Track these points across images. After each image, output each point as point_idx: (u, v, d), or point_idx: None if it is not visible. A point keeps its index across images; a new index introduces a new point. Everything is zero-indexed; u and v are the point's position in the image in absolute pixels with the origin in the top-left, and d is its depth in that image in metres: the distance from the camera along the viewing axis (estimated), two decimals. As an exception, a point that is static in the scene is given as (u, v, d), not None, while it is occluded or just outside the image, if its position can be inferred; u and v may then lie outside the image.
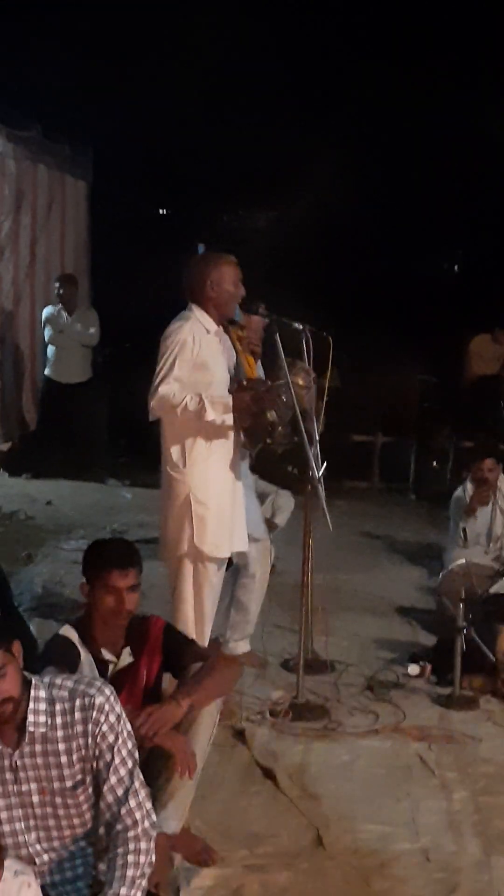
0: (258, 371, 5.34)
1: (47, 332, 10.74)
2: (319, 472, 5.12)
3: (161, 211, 15.85)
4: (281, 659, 5.70)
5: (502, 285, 13.15)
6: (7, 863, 2.36)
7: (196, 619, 4.74)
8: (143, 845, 2.96)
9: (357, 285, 13.94)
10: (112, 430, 11.09)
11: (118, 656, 3.74)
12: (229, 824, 3.88)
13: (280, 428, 4.97)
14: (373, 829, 3.90)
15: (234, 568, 5.42)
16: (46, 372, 10.95)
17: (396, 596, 7.20)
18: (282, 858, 3.68)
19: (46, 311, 10.78)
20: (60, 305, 10.68)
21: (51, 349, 10.79)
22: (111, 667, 3.73)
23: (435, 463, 11.66)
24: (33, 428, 11.49)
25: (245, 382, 4.86)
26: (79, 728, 2.98)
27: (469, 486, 7.22)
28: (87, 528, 8.57)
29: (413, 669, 5.55)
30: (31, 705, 2.94)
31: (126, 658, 3.74)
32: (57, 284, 10.82)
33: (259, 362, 5.55)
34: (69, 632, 3.73)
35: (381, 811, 4.05)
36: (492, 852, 3.77)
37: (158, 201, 15.15)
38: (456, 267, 16.85)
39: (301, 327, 5.28)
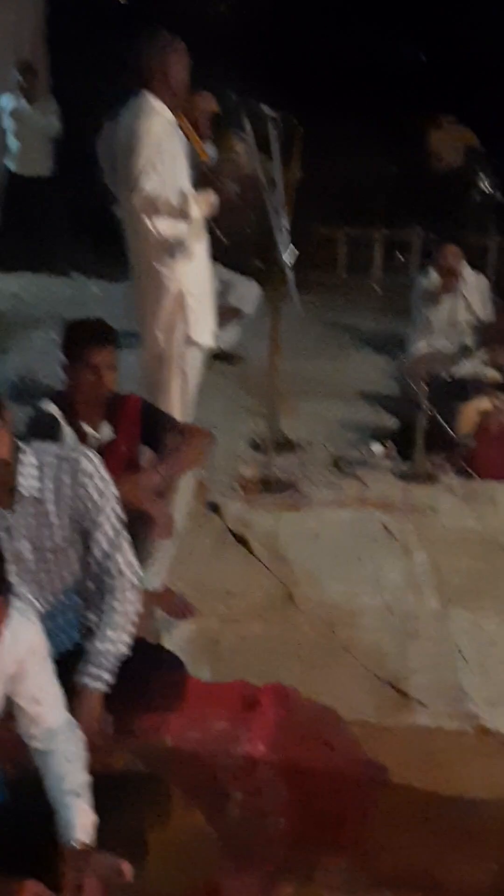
0: (208, 151, 5.32)
1: (7, 124, 10.54)
2: (290, 257, 5.22)
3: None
4: (250, 440, 5.92)
5: (465, 74, 12.89)
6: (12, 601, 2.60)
7: (182, 402, 4.89)
8: (129, 595, 3.21)
9: (322, 72, 13.63)
10: (76, 224, 11.00)
11: (98, 430, 3.91)
12: (206, 584, 4.17)
13: (249, 212, 5.06)
14: (339, 586, 4.21)
15: None
16: (9, 165, 10.79)
17: (361, 382, 7.39)
18: (255, 612, 3.99)
19: (5, 101, 10.55)
20: (20, 95, 10.45)
21: (13, 142, 10.60)
22: (92, 441, 3.92)
23: (400, 255, 11.72)
24: (-4, 223, 11.39)
25: (206, 168, 4.87)
26: (67, 490, 3.18)
27: (433, 274, 7.33)
28: (56, 320, 8.63)
29: (377, 448, 5.80)
30: (22, 469, 3.13)
31: (106, 432, 3.91)
32: (15, 72, 10.55)
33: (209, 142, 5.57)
34: (50, 406, 3.88)
35: (346, 572, 4.35)
36: (449, 605, 4.10)
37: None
38: (421, 55, 16.43)
39: (271, 113, 5.28)
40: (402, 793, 3.00)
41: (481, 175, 12.05)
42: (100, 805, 2.58)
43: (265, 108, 5.26)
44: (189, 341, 4.81)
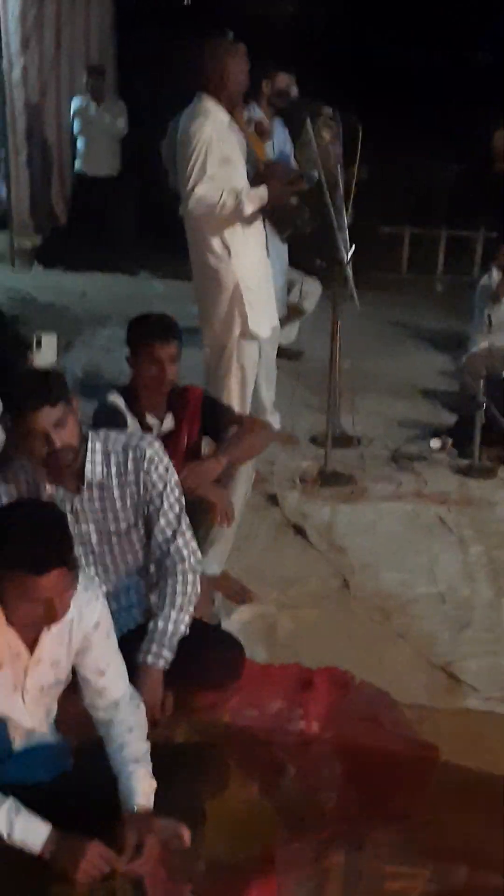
0: (267, 151, 5.44)
1: (76, 125, 10.75)
2: (348, 255, 5.32)
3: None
4: (310, 435, 6.04)
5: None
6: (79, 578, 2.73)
7: (241, 394, 5.02)
8: (189, 577, 3.34)
9: (387, 72, 13.67)
10: (142, 223, 11.18)
11: (162, 421, 4.05)
12: (263, 571, 4.30)
13: (306, 214, 5.17)
14: (394, 576, 4.31)
15: None
16: (77, 166, 11.01)
17: (421, 379, 7.48)
18: (311, 599, 4.11)
19: (75, 103, 10.76)
20: (89, 96, 10.66)
21: (80, 142, 10.81)
22: (155, 431, 4.05)
23: (462, 254, 11.76)
24: (63, 222, 11.62)
25: (263, 167, 5.00)
26: (131, 477, 3.32)
27: (495, 273, 7.39)
28: (121, 317, 8.80)
29: (435, 443, 5.89)
30: (89, 456, 3.27)
31: (168, 423, 4.05)
32: (86, 75, 10.77)
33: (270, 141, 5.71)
34: (116, 398, 4.02)
35: (402, 562, 4.45)
36: (502, 595, 4.17)
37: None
38: (486, 55, 16.39)
39: (331, 111, 5.39)
40: (452, 772, 3.09)
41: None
42: (160, 774, 2.71)
43: (326, 108, 5.36)
44: (246, 334, 4.93)
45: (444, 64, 14.21)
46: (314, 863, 2.66)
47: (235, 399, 4.92)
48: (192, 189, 4.71)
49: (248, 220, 4.91)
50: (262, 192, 4.83)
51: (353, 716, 3.34)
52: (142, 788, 2.64)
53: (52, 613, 2.54)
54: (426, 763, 3.12)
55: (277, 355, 6.13)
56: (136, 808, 2.61)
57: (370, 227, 11.05)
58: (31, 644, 2.68)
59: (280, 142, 6.49)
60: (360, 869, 2.66)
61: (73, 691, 2.86)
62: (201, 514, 3.84)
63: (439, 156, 12.38)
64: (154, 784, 2.67)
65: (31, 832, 2.49)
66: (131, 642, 3.23)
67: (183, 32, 12.71)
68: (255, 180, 4.90)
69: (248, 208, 4.78)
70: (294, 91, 6.56)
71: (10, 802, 2.51)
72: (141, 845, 2.54)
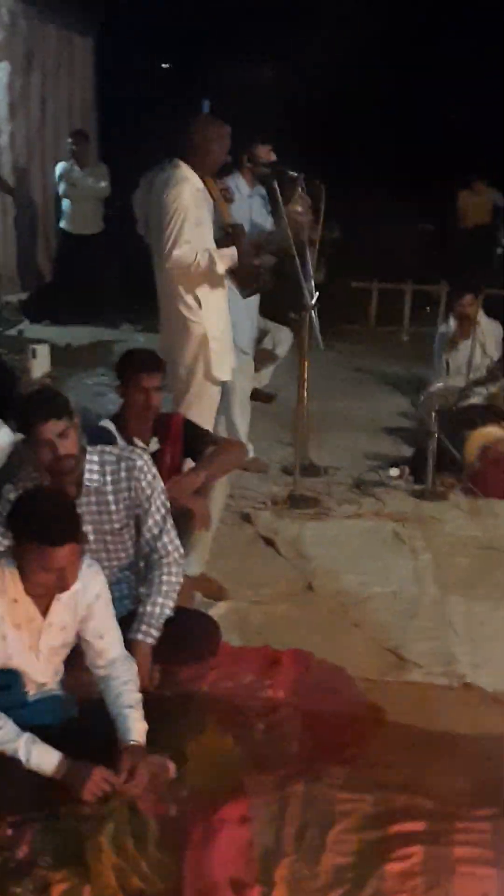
0: (231, 214, 6.01)
1: (62, 187, 11.39)
2: (313, 300, 5.96)
3: (164, 65, 16.19)
4: (281, 466, 6.64)
5: (494, 138, 13.66)
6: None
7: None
8: (174, 569, 3.91)
9: (359, 136, 14.42)
10: (123, 278, 11.78)
11: (147, 444, 4.63)
12: (238, 575, 4.89)
13: (267, 275, 5.79)
14: (353, 578, 4.92)
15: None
16: (62, 224, 11.66)
17: (384, 418, 8.12)
18: (280, 597, 4.71)
19: (60, 167, 11.39)
20: (73, 160, 11.33)
21: (65, 203, 11.46)
22: (140, 451, 4.62)
23: (428, 308, 12.44)
24: (49, 279, 12.25)
25: (230, 229, 5.58)
26: (124, 484, 3.89)
27: (452, 321, 8.06)
28: (104, 366, 9.42)
29: (394, 472, 6.51)
30: (87, 466, 3.85)
31: (154, 445, 4.63)
32: (69, 140, 11.45)
33: (248, 199, 6.33)
34: (108, 424, 4.61)
35: (360, 567, 5.06)
36: (447, 593, 4.78)
37: (163, 57, 15.52)
38: (454, 117, 17.19)
39: (297, 175, 6.05)
40: (396, 728, 3.66)
41: (505, 231, 12.77)
42: (150, 721, 3.27)
43: (293, 173, 6.03)
44: (209, 378, 5.45)
45: (413, 130, 15.03)
46: (278, 790, 3.21)
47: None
48: (171, 251, 5.20)
49: (218, 279, 5.48)
50: (232, 252, 5.38)
51: (313, 686, 3.91)
52: (136, 728, 3.21)
53: (63, 582, 3.13)
54: (373, 720, 3.69)
55: (253, 398, 6.79)
56: (131, 742, 3.17)
57: (341, 282, 11.76)
58: (44, 610, 3.26)
59: (258, 205, 7.08)
60: (315, 795, 3.21)
61: (75, 656, 3.43)
62: (184, 522, 4.42)
63: (406, 216, 13.09)
64: (146, 726, 3.24)
65: (46, 758, 3.06)
66: (124, 626, 3.79)
67: (162, 99, 13.49)
68: (221, 241, 5.44)
69: (221, 268, 5.30)
70: (272, 158, 7.14)
71: (27, 735, 3.08)
72: (135, 772, 3.10)
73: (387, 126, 14.59)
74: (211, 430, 5.58)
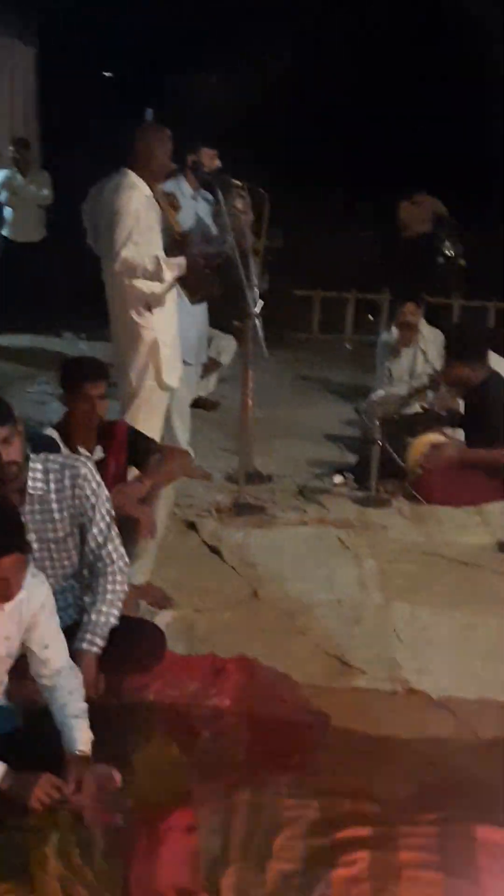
0: (180, 222, 6.05)
1: (3, 195, 11.30)
2: (257, 308, 5.99)
3: (107, 74, 16.15)
4: (226, 474, 6.65)
5: (436, 146, 13.80)
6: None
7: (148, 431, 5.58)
8: (118, 577, 3.89)
9: (302, 144, 14.49)
10: (66, 286, 11.73)
11: (92, 452, 4.62)
12: (183, 583, 4.88)
13: (216, 283, 5.83)
14: (298, 586, 4.93)
15: None
16: (3, 232, 11.57)
17: (328, 426, 8.16)
18: (225, 604, 4.71)
19: (1, 175, 11.29)
20: (15, 168, 11.26)
21: (7, 211, 11.39)
22: (85, 460, 4.61)
23: (371, 316, 12.53)
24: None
25: (179, 236, 5.61)
26: (68, 492, 3.87)
27: (394, 330, 8.13)
28: (49, 374, 9.37)
29: (337, 479, 6.54)
30: (31, 473, 3.83)
31: (98, 454, 4.62)
32: (11, 148, 11.38)
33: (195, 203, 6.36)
34: (52, 432, 4.60)
35: (305, 574, 5.07)
36: (390, 599, 4.81)
37: (106, 65, 15.50)
38: (399, 127, 17.31)
39: (239, 184, 6.08)
40: (341, 733, 3.68)
41: (447, 242, 12.89)
42: (95, 731, 3.26)
43: (236, 181, 6.06)
44: (160, 384, 5.49)
45: (356, 138, 15.13)
46: (224, 798, 3.21)
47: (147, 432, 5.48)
48: (119, 252, 5.24)
49: (167, 287, 5.49)
50: (180, 261, 5.40)
51: (258, 693, 3.92)
52: (82, 738, 3.19)
53: (7, 592, 3.11)
54: (319, 727, 3.71)
55: (197, 405, 6.80)
56: (77, 752, 3.16)
57: (285, 290, 11.80)
58: (-13, 621, 3.23)
59: (204, 207, 7.09)
60: (261, 802, 3.21)
61: (20, 665, 3.41)
62: (128, 531, 4.41)
63: (349, 225, 13.17)
64: (91, 736, 3.22)
65: None
66: (68, 636, 3.77)
67: (105, 107, 13.45)
68: (170, 248, 5.48)
69: (168, 275, 5.33)
70: (217, 164, 7.17)
71: None
72: (81, 782, 3.09)
73: (330, 134, 14.68)
74: (159, 436, 5.62)
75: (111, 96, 14.60)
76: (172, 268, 5.36)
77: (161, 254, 5.35)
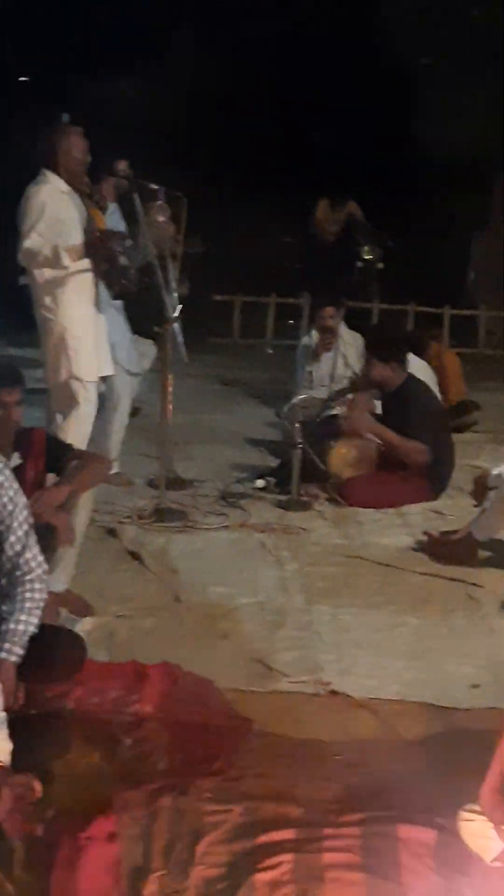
0: (107, 222, 6.11)
1: None
2: (175, 313, 5.98)
3: (22, 78, 16.04)
4: (147, 479, 6.61)
5: (356, 152, 13.91)
6: None
7: (76, 430, 5.54)
8: (37, 585, 3.83)
9: (221, 149, 14.52)
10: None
11: (8, 459, 4.55)
12: (104, 590, 4.84)
13: (132, 271, 5.85)
14: (220, 590, 4.91)
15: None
16: None
17: (250, 430, 8.18)
18: (147, 611, 4.67)
19: None
20: None
21: None
22: (2, 466, 4.55)
23: (291, 320, 12.59)
24: None
25: (98, 233, 5.65)
26: (-18, 500, 3.82)
27: (314, 333, 8.17)
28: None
29: (259, 483, 6.56)
30: None
31: (15, 460, 4.56)
32: None
33: (107, 214, 6.38)
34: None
35: (227, 579, 5.06)
36: (312, 603, 4.81)
37: (22, 70, 15.39)
38: (316, 132, 17.41)
39: (157, 188, 6.07)
40: (264, 737, 3.66)
41: (364, 246, 13.00)
42: (14, 742, 3.21)
43: (153, 185, 6.06)
44: (72, 376, 5.56)
45: (275, 144, 15.19)
46: (146, 805, 3.18)
47: (71, 433, 5.46)
48: (21, 242, 5.44)
49: (79, 278, 5.53)
50: (77, 245, 5.48)
51: (180, 699, 3.89)
52: (0, 748, 3.13)
53: None
54: (241, 731, 3.69)
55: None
56: (-6, 763, 3.11)
57: (205, 295, 11.82)
58: None
59: (114, 221, 7.07)
60: (183, 808, 3.18)
61: None
62: (47, 538, 4.35)
63: (268, 230, 13.22)
64: (10, 746, 3.17)
65: None
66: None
67: (20, 112, 13.33)
68: (89, 244, 5.52)
69: (66, 261, 5.44)
70: (127, 171, 7.15)
71: None
72: (0, 792, 3.03)
73: (248, 139, 14.73)
74: (82, 432, 5.58)
75: (26, 101, 14.49)
76: (71, 254, 5.44)
77: (63, 243, 5.45)
